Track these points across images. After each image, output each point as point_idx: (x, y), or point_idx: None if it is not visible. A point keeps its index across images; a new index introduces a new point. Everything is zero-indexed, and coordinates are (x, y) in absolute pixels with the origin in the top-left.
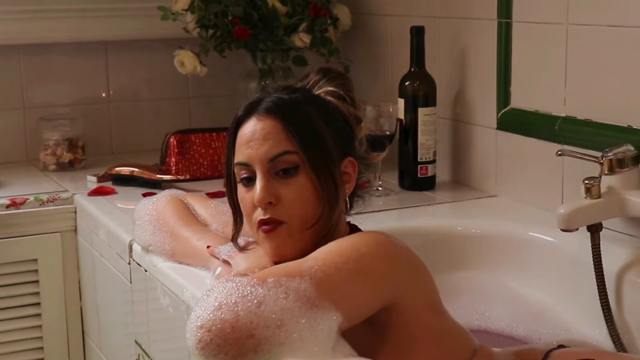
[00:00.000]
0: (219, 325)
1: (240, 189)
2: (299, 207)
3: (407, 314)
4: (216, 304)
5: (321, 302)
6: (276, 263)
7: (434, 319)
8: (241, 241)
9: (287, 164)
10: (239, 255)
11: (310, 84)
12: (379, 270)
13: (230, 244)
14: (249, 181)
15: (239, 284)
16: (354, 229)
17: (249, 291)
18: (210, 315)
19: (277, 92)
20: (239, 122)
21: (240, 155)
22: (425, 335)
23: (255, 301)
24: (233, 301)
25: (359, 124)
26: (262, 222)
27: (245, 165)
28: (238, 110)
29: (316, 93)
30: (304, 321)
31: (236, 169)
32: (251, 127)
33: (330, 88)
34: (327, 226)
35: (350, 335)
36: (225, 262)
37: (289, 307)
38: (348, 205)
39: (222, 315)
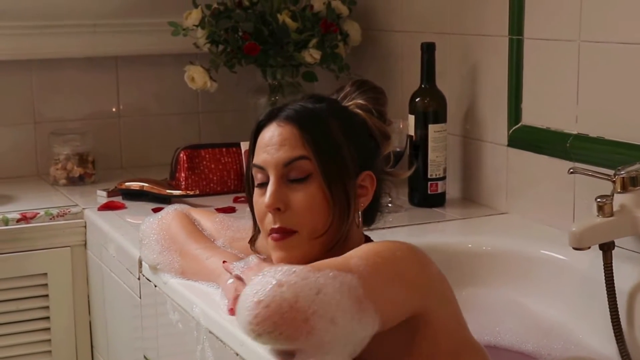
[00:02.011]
0: (278, 302)
1: (256, 192)
2: (308, 215)
3: (434, 322)
4: (274, 281)
5: (367, 304)
6: None
7: (458, 330)
8: (254, 258)
9: (300, 171)
10: (252, 271)
11: (342, 95)
12: (413, 275)
13: (244, 260)
14: (263, 185)
15: (297, 269)
16: (368, 241)
17: (309, 276)
18: (271, 292)
19: (303, 100)
20: (259, 127)
21: (257, 158)
22: (449, 345)
23: (315, 287)
24: (293, 282)
25: (387, 140)
26: (273, 231)
27: (260, 168)
28: (260, 115)
29: (346, 105)
30: (353, 324)
31: (253, 172)
32: (270, 132)
33: (360, 101)
34: (336, 237)
35: (376, 342)
36: (238, 277)
37: (343, 304)
38: (360, 219)
39: (283, 293)
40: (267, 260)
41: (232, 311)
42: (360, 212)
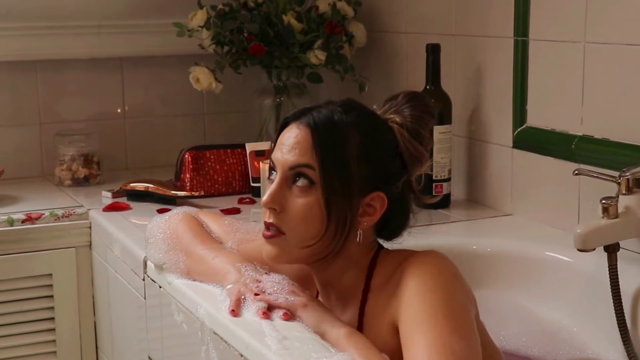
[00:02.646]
0: None
1: (268, 183)
2: (300, 223)
3: (476, 320)
4: None
5: None
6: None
7: (480, 329)
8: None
9: (304, 178)
10: (305, 311)
11: (392, 103)
12: (464, 295)
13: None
14: (272, 180)
15: None
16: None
17: None
18: None
19: (336, 104)
20: (285, 123)
21: (273, 154)
22: (482, 343)
23: None
24: None
25: (417, 163)
26: (266, 225)
27: (272, 165)
28: (291, 111)
29: (387, 116)
30: None
31: (270, 163)
32: (289, 132)
33: (402, 117)
34: (326, 250)
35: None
36: (287, 316)
37: None
38: (360, 237)
39: None
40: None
41: (233, 313)
42: (361, 231)
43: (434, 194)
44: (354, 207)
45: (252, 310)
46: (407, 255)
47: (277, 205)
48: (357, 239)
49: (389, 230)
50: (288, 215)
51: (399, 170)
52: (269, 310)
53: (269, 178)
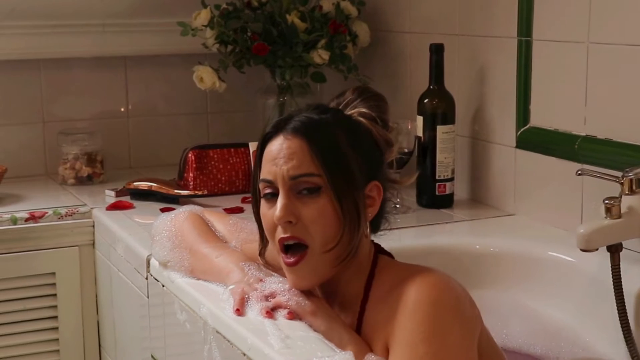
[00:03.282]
0: None
1: (263, 204)
2: (319, 228)
3: (481, 338)
4: None
5: None
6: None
7: (487, 334)
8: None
9: (310, 185)
10: (314, 318)
11: (344, 102)
12: (467, 317)
13: (256, 264)
14: (272, 197)
15: None
16: (378, 249)
17: None
18: None
19: (307, 111)
20: (266, 139)
21: (265, 172)
22: (485, 351)
23: None
24: None
25: (390, 148)
26: (283, 242)
27: (268, 182)
28: (267, 127)
29: (348, 113)
30: None
31: (260, 185)
32: (278, 145)
33: (363, 109)
34: (347, 250)
35: None
36: (292, 315)
37: None
38: (369, 229)
39: None
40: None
41: (238, 312)
42: (368, 222)
43: (437, 193)
44: (360, 200)
45: (255, 309)
46: (409, 273)
47: (293, 217)
48: (366, 233)
49: (375, 222)
50: (304, 225)
51: (380, 157)
52: (273, 310)
53: (263, 197)
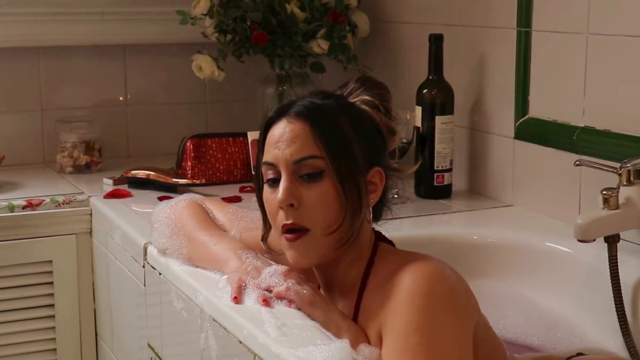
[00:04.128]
0: None
1: (266, 189)
2: (320, 212)
3: (478, 327)
4: None
5: None
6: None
7: (485, 324)
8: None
9: (312, 168)
10: (313, 308)
11: (347, 91)
12: (461, 307)
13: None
14: (275, 182)
15: None
16: (379, 237)
17: None
18: None
19: (311, 96)
20: (269, 123)
21: (267, 155)
22: (483, 340)
23: None
24: None
25: (393, 136)
26: (285, 228)
27: (271, 165)
28: (269, 112)
29: (352, 101)
30: None
31: (263, 169)
32: (280, 129)
33: (366, 97)
34: (348, 233)
35: None
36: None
37: None
38: (371, 215)
39: None
40: (281, 259)
41: (236, 300)
42: (370, 208)
43: (435, 184)
44: (362, 185)
45: (252, 297)
46: (406, 261)
47: (295, 200)
48: (368, 219)
49: (377, 210)
50: (306, 208)
51: (382, 144)
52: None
53: (266, 182)
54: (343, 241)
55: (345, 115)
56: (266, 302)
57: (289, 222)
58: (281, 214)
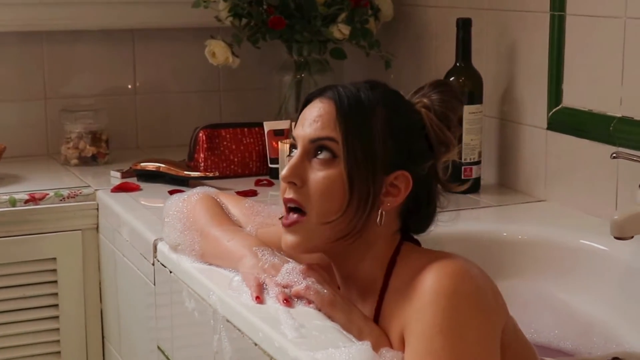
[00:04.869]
0: None
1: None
2: (321, 197)
3: (506, 329)
4: None
5: None
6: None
7: (514, 326)
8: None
9: (327, 152)
10: (334, 310)
11: (416, 90)
12: (489, 307)
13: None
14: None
15: None
16: (405, 236)
17: None
18: None
19: (361, 82)
20: (307, 100)
21: (294, 129)
22: (512, 344)
23: None
24: None
25: (444, 148)
26: (285, 202)
27: (294, 141)
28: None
29: (414, 101)
30: None
31: (290, 142)
32: (312, 107)
33: (427, 101)
34: (347, 228)
35: None
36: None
37: None
38: (383, 218)
39: None
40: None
41: (258, 300)
42: (383, 212)
43: (462, 177)
44: (377, 183)
45: (271, 296)
46: (430, 260)
47: (297, 178)
48: (378, 220)
49: (416, 221)
50: (308, 190)
51: (425, 152)
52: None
53: (288, 156)
54: (339, 236)
55: (384, 108)
56: (288, 302)
57: (289, 197)
58: (288, 190)
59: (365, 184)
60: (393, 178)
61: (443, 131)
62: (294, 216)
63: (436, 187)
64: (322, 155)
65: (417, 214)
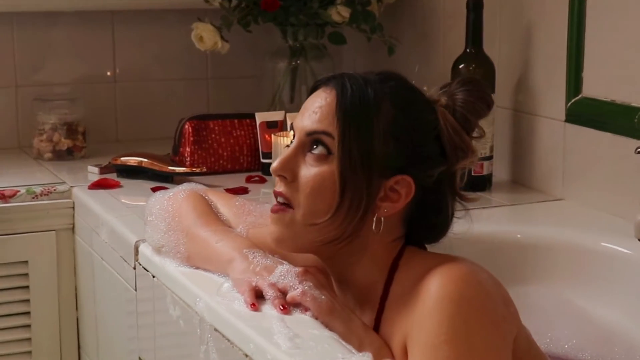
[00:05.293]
0: None
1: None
2: (310, 196)
3: (518, 340)
4: None
5: None
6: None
7: (527, 336)
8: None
9: (322, 147)
10: (332, 317)
11: (442, 85)
12: (499, 317)
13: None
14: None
15: None
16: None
17: None
18: None
19: (370, 72)
20: (314, 87)
21: (295, 119)
22: (525, 355)
23: None
24: None
25: (459, 154)
26: (274, 195)
27: (292, 129)
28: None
29: (433, 98)
30: None
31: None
32: (315, 96)
33: (451, 100)
34: (333, 233)
35: None
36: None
37: None
38: (379, 225)
39: None
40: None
41: (254, 307)
42: (382, 218)
43: (472, 174)
44: (372, 186)
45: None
46: (434, 264)
47: (288, 172)
48: (374, 227)
49: (423, 230)
50: (298, 186)
51: (435, 157)
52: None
53: (287, 146)
54: (327, 239)
55: (391, 105)
56: (286, 310)
57: (279, 190)
58: (278, 183)
59: (359, 187)
60: (393, 182)
61: (460, 135)
62: (281, 206)
63: (450, 196)
64: (317, 150)
65: (425, 223)
